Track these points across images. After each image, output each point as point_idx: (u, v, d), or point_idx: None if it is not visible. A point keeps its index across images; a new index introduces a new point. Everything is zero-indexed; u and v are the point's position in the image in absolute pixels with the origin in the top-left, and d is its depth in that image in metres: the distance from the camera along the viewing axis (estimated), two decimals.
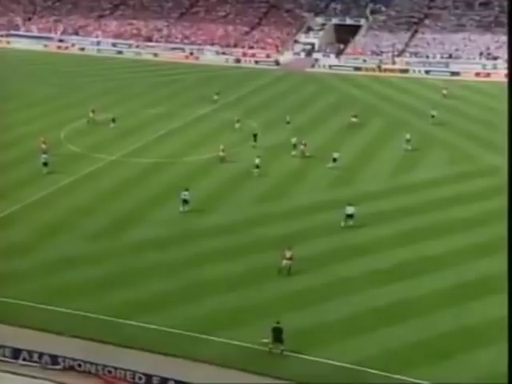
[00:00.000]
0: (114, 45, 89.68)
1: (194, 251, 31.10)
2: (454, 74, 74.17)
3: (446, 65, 76.64)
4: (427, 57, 78.96)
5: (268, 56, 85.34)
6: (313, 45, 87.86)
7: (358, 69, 78.26)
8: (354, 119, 52.04)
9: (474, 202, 37.19)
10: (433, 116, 53.31)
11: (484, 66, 74.84)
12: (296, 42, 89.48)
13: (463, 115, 56.44)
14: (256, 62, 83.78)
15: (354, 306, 26.30)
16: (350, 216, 33.12)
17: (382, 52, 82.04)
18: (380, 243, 31.90)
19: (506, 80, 68.68)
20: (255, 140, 47.41)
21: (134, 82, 69.73)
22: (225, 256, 30.58)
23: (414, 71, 76.03)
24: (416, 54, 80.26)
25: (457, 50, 79.53)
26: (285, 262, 28.21)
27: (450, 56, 78.16)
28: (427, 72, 75.37)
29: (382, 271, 29.11)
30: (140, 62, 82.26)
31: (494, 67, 74.28)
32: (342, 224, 33.23)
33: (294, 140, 45.49)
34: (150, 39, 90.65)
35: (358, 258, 30.39)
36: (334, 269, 29.33)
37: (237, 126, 51.85)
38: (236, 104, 61.33)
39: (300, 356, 23.28)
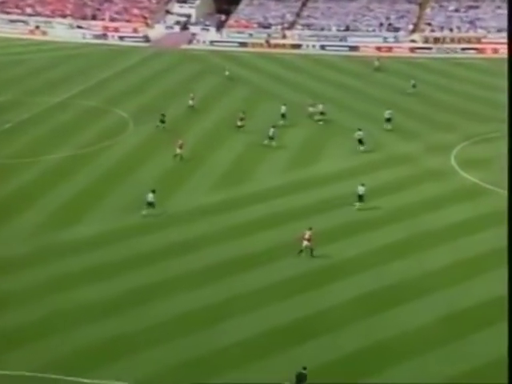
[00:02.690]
0: None
1: (56, 271, 30.24)
2: (352, 48, 77.19)
3: (343, 38, 79.66)
4: (322, 29, 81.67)
5: (135, 30, 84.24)
6: (189, 16, 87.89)
7: (243, 44, 79.30)
8: (241, 118, 51.12)
9: (386, 194, 38.97)
10: (312, 108, 53.39)
11: (385, 39, 78.63)
12: (168, 12, 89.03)
13: (367, 98, 58.81)
14: (120, 38, 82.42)
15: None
16: (360, 196, 36.86)
17: (270, 24, 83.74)
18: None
19: (410, 54, 73.35)
20: (163, 121, 49.52)
21: None
22: (96, 275, 30.03)
23: (308, 46, 78.32)
24: (309, 27, 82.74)
25: (354, 21, 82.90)
26: (305, 243, 31.44)
27: (347, 28, 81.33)
28: (322, 47, 77.89)
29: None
30: None
31: (396, 40, 78.30)
32: (357, 205, 36.69)
33: (179, 142, 44.92)
34: None
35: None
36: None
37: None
38: (97, 89, 60.40)
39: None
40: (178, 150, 43.92)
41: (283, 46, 79.01)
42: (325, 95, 57.85)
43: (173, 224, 35.59)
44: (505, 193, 38.33)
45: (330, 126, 50.57)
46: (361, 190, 37.08)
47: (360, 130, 45.86)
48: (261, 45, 79.10)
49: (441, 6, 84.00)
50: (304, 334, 26.25)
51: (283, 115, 50.37)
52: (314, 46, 78.29)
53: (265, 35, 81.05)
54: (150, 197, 35.82)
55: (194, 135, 49.10)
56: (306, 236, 31.74)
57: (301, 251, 31.64)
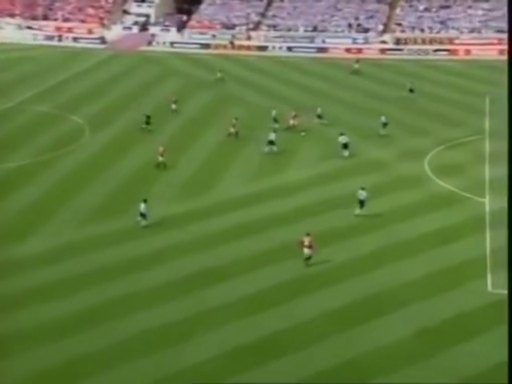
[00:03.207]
0: None
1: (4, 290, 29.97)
2: (320, 50, 77.99)
3: (311, 39, 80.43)
4: (288, 30, 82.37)
5: (90, 31, 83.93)
6: (147, 16, 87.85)
7: (205, 46, 79.55)
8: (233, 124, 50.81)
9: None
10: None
11: (354, 40, 79.64)
12: (125, 12, 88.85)
13: (338, 102, 59.45)
14: (75, 40, 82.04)
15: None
16: (361, 201, 37.22)
17: (234, 25, 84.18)
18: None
19: (381, 56, 74.39)
20: (148, 123, 50.62)
21: None
22: (50, 293, 29.81)
23: (274, 48, 78.90)
24: (275, 27, 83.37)
25: (322, 21, 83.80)
26: (306, 250, 31.85)
27: (315, 29, 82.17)
28: (289, 49, 78.56)
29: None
30: None
31: (366, 41, 79.38)
32: (357, 212, 37.16)
33: (160, 150, 44.68)
34: None
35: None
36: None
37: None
38: (51, 94, 59.96)
39: None
40: (160, 158, 43.79)
41: (248, 47, 79.46)
42: (292, 99, 58.32)
43: (137, 235, 35.43)
44: (480, 200, 39.31)
45: (300, 131, 50.88)
46: (362, 194, 37.21)
47: (343, 134, 46.29)
48: (224, 46, 79.46)
49: (411, 6, 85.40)
50: (276, 350, 26.36)
51: (275, 119, 50.72)
52: (280, 48, 78.92)
53: (228, 36, 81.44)
54: (142, 207, 35.73)
55: (161, 141, 49.09)
56: (306, 242, 31.99)
57: (307, 259, 32.09)
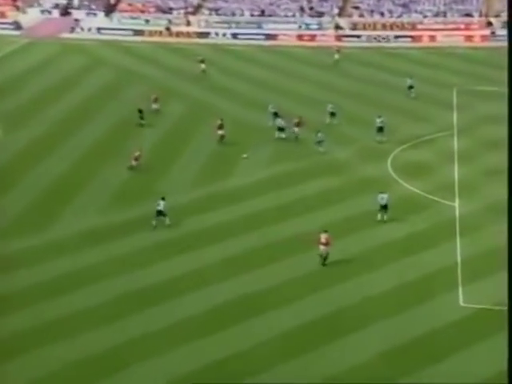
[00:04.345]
0: None
1: None
2: (268, 37, 78.60)
3: (259, 25, 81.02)
4: (233, 15, 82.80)
5: (2, 15, 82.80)
6: None
7: (138, 32, 79.29)
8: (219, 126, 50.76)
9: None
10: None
11: (307, 26, 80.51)
12: None
13: (293, 96, 60.00)
14: None
15: None
16: (384, 206, 37.90)
17: (170, 9, 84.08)
18: None
19: (336, 43, 75.25)
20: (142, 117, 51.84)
21: None
22: None
23: (217, 34, 79.20)
24: (217, 11, 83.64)
25: (270, 4, 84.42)
26: (322, 247, 33.56)
27: (263, 13, 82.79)
28: (234, 35, 78.97)
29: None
30: None
31: (320, 27, 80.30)
32: (379, 217, 37.87)
33: (135, 154, 44.83)
34: None
35: None
36: None
37: None
38: None
39: None
40: (134, 163, 44.45)
41: (187, 34, 79.57)
42: (238, 92, 58.68)
43: (57, 252, 35.44)
44: (449, 204, 40.29)
45: (244, 128, 51.29)
46: (383, 198, 37.96)
47: (319, 131, 47.09)
48: (160, 33, 79.38)
49: None
50: (223, 377, 26.67)
51: (275, 114, 51.16)
52: (224, 35, 79.24)
53: (165, 22, 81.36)
54: (162, 204, 37.38)
55: (84, 144, 48.97)
56: (323, 240, 33.22)
57: (322, 258, 33.41)
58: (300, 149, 47.96)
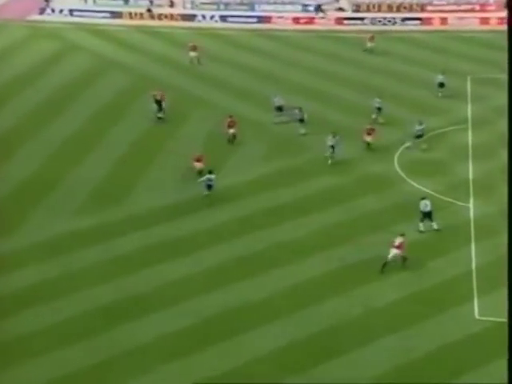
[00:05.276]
0: None
1: None
2: (261, 19, 78.60)
3: (251, 7, 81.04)
4: None
5: None
6: None
7: (116, 15, 79.22)
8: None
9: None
10: None
11: (305, 8, 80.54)
12: None
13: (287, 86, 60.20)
14: None
15: None
16: (428, 214, 37.98)
17: None
18: None
19: (337, 27, 75.35)
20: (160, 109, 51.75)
21: None
22: None
23: (205, 17, 79.17)
24: None
25: None
26: (394, 251, 34.06)
27: None
28: (223, 18, 78.95)
29: None
30: None
31: (318, 8, 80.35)
32: (421, 227, 38.09)
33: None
34: None
35: None
36: None
37: None
38: None
39: None
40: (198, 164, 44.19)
41: (171, 17, 79.51)
42: (228, 82, 58.74)
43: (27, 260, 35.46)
44: (463, 205, 40.46)
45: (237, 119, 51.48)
46: (427, 205, 37.93)
47: (335, 134, 45.97)
48: (141, 15, 79.36)
49: None
50: None
51: (279, 108, 51.64)
52: (212, 17, 79.17)
53: (146, 2, 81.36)
54: (212, 178, 40.46)
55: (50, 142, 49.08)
56: (396, 243, 33.88)
57: (384, 264, 33.66)
58: (302, 145, 48.09)
